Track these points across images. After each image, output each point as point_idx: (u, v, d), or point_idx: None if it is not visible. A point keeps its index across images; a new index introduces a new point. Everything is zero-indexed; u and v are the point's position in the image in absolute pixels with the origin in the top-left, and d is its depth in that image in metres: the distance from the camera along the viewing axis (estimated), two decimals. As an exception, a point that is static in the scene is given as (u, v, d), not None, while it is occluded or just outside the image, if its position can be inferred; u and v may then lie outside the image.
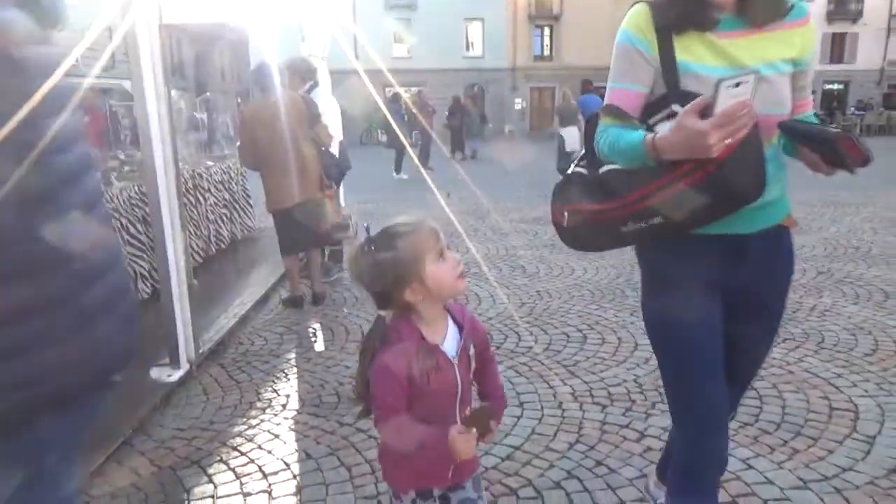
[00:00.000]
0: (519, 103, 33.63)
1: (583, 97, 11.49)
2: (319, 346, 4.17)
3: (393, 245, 1.39)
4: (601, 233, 1.64)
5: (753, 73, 1.34)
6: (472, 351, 1.54)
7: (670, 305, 1.67)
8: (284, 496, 2.49)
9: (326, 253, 5.73)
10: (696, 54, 1.53)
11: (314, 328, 4.48)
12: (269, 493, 2.52)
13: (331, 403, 3.27)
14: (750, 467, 2.53)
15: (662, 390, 3.23)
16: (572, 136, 10.95)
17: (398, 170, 13.76)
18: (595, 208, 1.61)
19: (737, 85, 1.31)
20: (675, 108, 1.50)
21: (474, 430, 1.36)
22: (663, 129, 1.47)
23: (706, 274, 1.64)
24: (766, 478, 2.46)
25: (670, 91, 1.55)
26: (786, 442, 2.72)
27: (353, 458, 2.73)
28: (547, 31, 33.87)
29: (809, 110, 1.68)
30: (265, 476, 2.64)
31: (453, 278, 1.44)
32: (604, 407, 3.11)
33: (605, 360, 3.66)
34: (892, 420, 2.88)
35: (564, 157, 11.01)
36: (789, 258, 1.74)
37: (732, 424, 2.86)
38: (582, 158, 1.77)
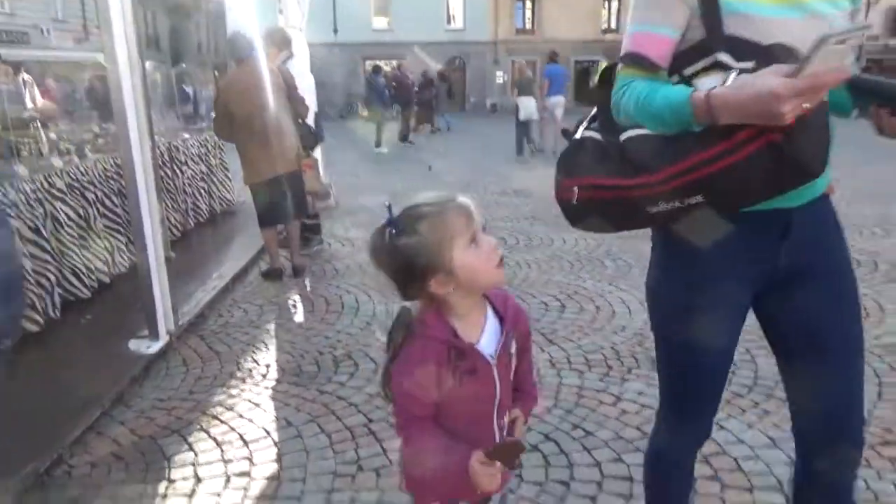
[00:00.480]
0: (500, 77, 33.44)
1: (547, 67, 12.03)
2: (299, 317, 4.18)
3: (415, 229, 1.17)
4: (622, 213, 1.34)
5: (864, 27, 1.19)
6: (513, 348, 1.32)
7: (694, 322, 1.40)
8: (265, 462, 2.52)
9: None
10: None
11: (294, 300, 4.48)
12: (250, 460, 2.54)
13: (311, 373, 3.29)
14: (722, 428, 2.60)
15: (638, 356, 3.30)
16: (527, 106, 11.87)
17: (379, 143, 13.68)
18: (617, 184, 1.30)
19: (841, 42, 1.06)
20: (723, 57, 1.24)
21: (498, 463, 1.17)
22: (706, 84, 1.22)
23: (744, 260, 1.36)
24: (737, 437, 2.53)
25: (712, 36, 1.26)
26: (757, 404, 2.79)
27: (334, 426, 2.76)
28: (529, 4, 33.55)
29: None
30: (246, 443, 2.66)
31: (489, 267, 1.21)
32: (581, 373, 3.16)
33: (582, 329, 3.70)
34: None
35: (521, 126, 12.03)
36: (836, 224, 1.43)
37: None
38: (593, 118, 1.45)
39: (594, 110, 1.46)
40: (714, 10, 1.25)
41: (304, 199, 5.09)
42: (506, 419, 1.34)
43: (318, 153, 5.90)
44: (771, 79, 1.09)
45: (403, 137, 14.98)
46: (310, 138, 5.17)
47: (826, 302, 1.39)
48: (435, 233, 1.16)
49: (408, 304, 1.26)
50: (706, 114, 1.17)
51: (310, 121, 5.15)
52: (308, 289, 4.68)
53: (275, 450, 2.61)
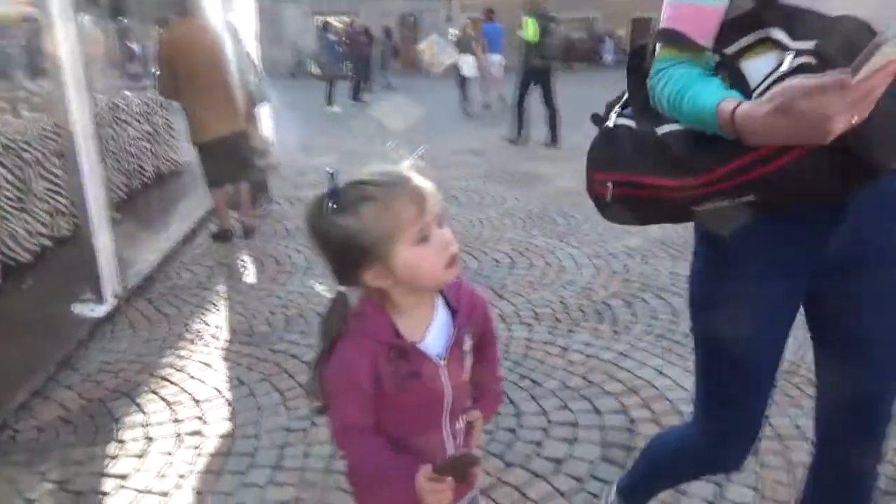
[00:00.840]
0: (453, 34, 33.01)
1: (484, 26, 12.19)
2: (250, 278, 4.14)
3: (356, 210, 0.99)
4: (663, 211, 1.20)
5: None
6: (467, 345, 1.15)
7: (738, 321, 1.25)
8: (218, 421, 2.53)
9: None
10: None
11: (244, 261, 4.44)
12: (202, 419, 2.55)
13: (263, 332, 3.29)
14: (662, 374, 2.71)
15: (585, 309, 3.39)
16: (468, 63, 12.40)
17: (330, 102, 13.43)
18: (659, 184, 1.13)
19: None
20: (777, 34, 1.02)
21: (449, 478, 1.04)
22: (756, 68, 1.04)
23: (794, 253, 1.19)
24: (676, 383, 2.65)
25: (763, 6, 1.05)
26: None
27: (286, 383, 2.78)
28: (482, -42, 33.01)
29: None
30: (197, 403, 2.66)
31: (436, 268, 1.03)
32: (530, 326, 3.24)
33: (532, 284, 3.78)
34: (794, 328, 3.10)
35: (462, 84, 12.56)
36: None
37: (648, 337, 3.05)
38: (625, 104, 1.26)
39: (625, 93, 1.27)
40: None
41: (253, 158, 5.00)
42: (460, 424, 1.18)
43: (262, 111, 5.78)
44: (821, 98, 0.87)
45: (355, 96, 14.73)
46: (257, 95, 5.06)
47: (877, 298, 1.21)
48: (378, 221, 0.99)
49: (344, 289, 1.09)
50: (732, 132, 0.99)
51: (255, 77, 5.03)
52: (258, 249, 4.63)
53: (227, 408, 2.62)
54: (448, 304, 1.14)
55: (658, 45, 1.16)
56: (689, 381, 2.60)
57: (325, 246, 1.05)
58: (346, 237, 1.00)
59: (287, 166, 7.29)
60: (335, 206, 1.00)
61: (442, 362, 1.10)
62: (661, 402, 2.51)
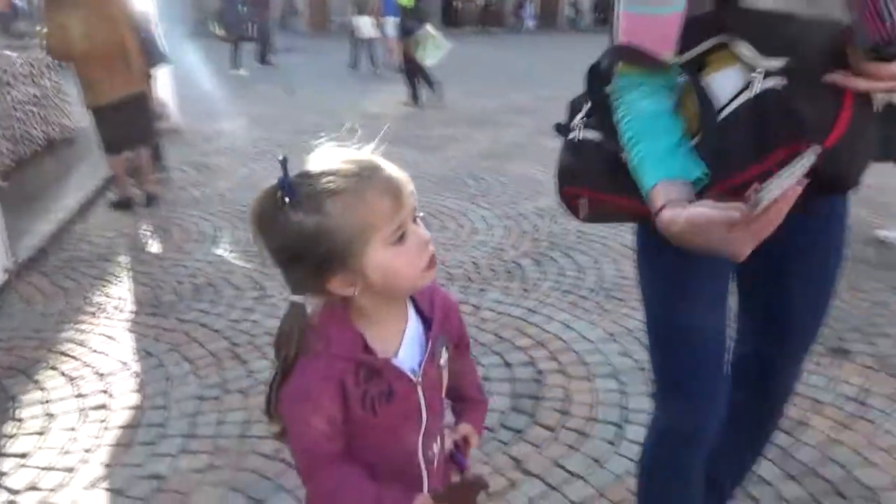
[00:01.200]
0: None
1: None
2: (155, 247, 3.99)
3: (320, 206, 0.83)
4: (641, 217, 1.10)
5: (814, 151, 0.83)
6: (443, 358, 1.02)
7: (690, 306, 1.22)
8: (124, 394, 2.45)
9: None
10: None
11: (148, 230, 4.26)
12: (107, 392, 2.46)
13: (170, 302, 3.19)
14: (569, 328, 2.83)
15: (496, 269, 3.48)
16: (365, 24, 12.51)
17: (235, 65, 12.89)
18: (633, 205, 1.05)
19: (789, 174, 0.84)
20: (742, 49, 0.96)
21: None
22: (720, 85, 0.99)
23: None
24: (581, 335, 2.77)
25: (721, 9, 1.00)
26: (600, 304, 3.05)
27: (196, 352, 2.72)
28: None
29: None
30: (101, 377, 2.57)
31: (415, 271, 0.89)
32: (443, 286, 3.27)
33: (444, 245, 3.83)
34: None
35: (356, 45, 12.87)
36: (839, 210, 1.24)
37: (555, 294, 3.17)
38: (589, 112, 1.17)
39: (588, 103, 1.17)
40: None
41: (153, 122, 4.77)
42: (436, 447, 1.04)
43: (161, 72, 5.49)
44: (723, 227, 0.86)
45: (263, 59, 14.20)
46: (155, 55, 4.81)
47: (799, 277, 1.25)
48: (347, 218, 0.83)
49: (300, 299, 0.91)
50: (658, 221, 0.95)
51: (153, 35, 4.77)
52: (162, 218, 4.45)
53: (134, 381, 2.54)
54: (420, 311, 1.00)
55: (621, 62, 1.06)
56: (594, 334, 2.76)
57: (279, 249, 0.87)
58: (308, 238, 0.83)
59: (192, 132, 7.00)
60: (292, 201, 0.83)
61: (417, 379, 0.96)
62: (568, 354, 2.63)
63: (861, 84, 0.90)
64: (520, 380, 2.47)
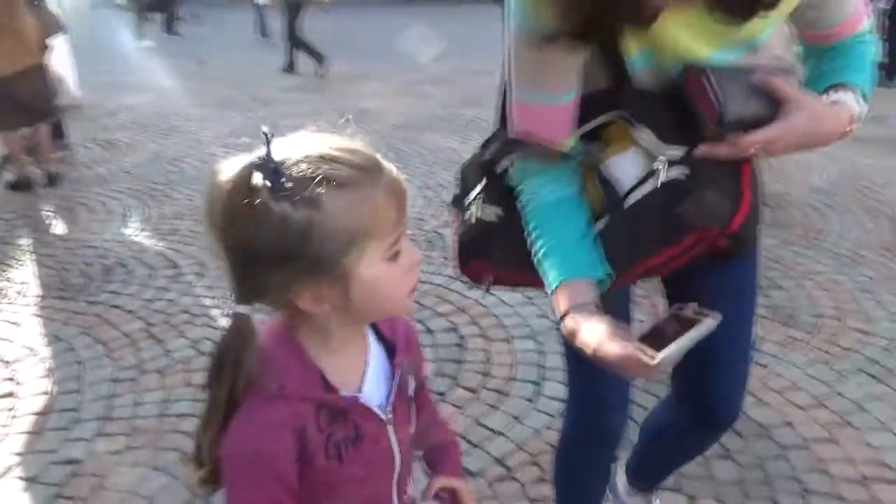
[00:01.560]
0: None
1: None
2: (59, 228, 3.80)
3: (317, 199, 0.66)
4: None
5: (714, 318, 0.88)
6: (411, 388, 0.87)
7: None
8: (32, 380, 2.36)
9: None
10: (655, 38, 0.93)
11: (51, 211, 4.05)
12: (13, 380, 2.36)
13: (78, 285, 3.06)
14: (489, 293, 2.89)
15: (417, 238, 3.51)
16: None
17: (140, 36, 12.27)
18: (538, 282, 1.04)
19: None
20: (639, 133, 0.97)
21: None
22: (620, 168, 1.00)
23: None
24: (500, 300, 2.82)
25: (617, 87, 0.99)
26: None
27: (109, 334, 2.63)
28: None
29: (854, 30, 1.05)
30: (7, 364, 2.45)
31: (401, 294, 0.76)
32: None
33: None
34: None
35: (257, 10, 12.40)
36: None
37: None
38: (485, 186, 1.12)
39: (483, 180, 1.12)
40: (617, 58, 0.95)
41: (52, 96, 4.50)
42: (410, 490, 0.88)
43: (57, 43, 5.17)
44: (622, 363, 0.87)
45: (169, 28, 13.57)
46: (51, 24, 4.52)
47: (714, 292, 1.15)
48: (350, 219, 0.68)
49: (245, 311, 0.72)
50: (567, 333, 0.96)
51: (48, 4, 4.49)
52: (66, 198, 4.24)
53: (43, 366, 2.44)
54: (381, 337, 0.85)
55: (518, 155, 1.04)
56: (512, 298, 2.84)
57: (243, 247, 0.68)
58: (291, 237, 0.66)
59: (94, 107, 6.65)
60: (273, 187, 0.65)
61: (387, 416, 0.81)
62: (488, 318, 2.70)
63: (723, 151, 0.94)
64: (442, 345, 2.53)
